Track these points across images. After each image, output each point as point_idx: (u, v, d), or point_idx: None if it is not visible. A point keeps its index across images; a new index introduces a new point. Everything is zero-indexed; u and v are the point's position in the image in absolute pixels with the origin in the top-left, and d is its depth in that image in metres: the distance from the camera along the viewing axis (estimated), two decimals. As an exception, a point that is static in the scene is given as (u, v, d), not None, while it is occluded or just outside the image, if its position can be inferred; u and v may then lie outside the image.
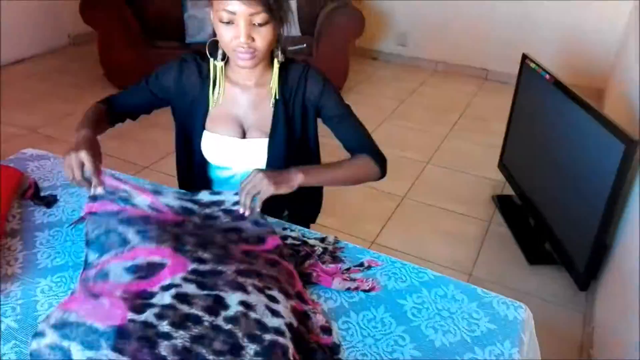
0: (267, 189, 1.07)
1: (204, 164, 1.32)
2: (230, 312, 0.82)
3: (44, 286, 0.98)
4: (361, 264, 1.07)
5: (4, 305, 0.93)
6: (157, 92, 1.29)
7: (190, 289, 0.85)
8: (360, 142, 1.30)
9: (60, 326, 0.80)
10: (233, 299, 0.84)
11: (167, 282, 0.87)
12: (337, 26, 3.53)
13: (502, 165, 2.76)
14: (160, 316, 0.80)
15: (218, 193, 1.16)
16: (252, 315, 0.82)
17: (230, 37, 1.08)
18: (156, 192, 1.12)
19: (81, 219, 1.14)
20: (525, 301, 1.04)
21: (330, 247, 1.12)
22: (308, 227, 1.36)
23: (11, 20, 4.05)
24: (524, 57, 2.52)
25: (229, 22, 1.07)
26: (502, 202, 2.65)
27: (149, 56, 3.53)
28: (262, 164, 1.27)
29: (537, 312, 1.95)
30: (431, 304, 0.98)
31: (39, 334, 0.81)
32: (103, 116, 1.27)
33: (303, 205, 1.33)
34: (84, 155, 1.05)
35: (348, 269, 1.05)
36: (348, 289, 0.99)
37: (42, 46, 4.37)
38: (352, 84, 4.06)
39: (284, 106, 1.24)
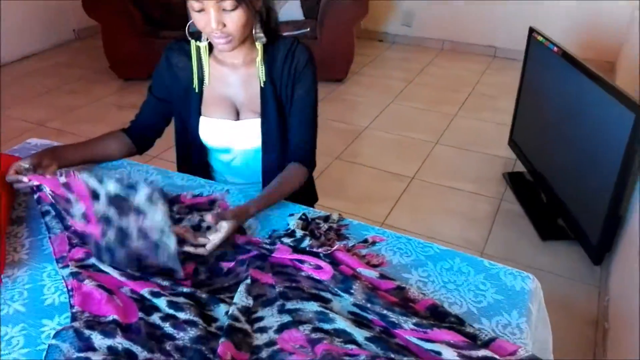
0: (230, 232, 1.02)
1: (202, 149, 1.32)
2: (220, 323, 0.87)
3: (50, 270, 0.99)
4: (365, 240, 1.06)
5: (11, 290, 0.94)
6: (161, 95, 1.30)
7: (180, 299, 0.89)
8: (301, 139, 1.27)
9: (88, 326, 0.85)
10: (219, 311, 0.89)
11: (155, 289, 0.91)
12: (341, 8, 3.48)
13: (512, 142, 2.72)
14: (163, 319, 0.87)
15: (154, 202, 0.95)
16: (238, 325, 0.85)
17: (203, 25, 1.09)
18: (95, 196, 0.97)
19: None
20: (539, 277, 1.02)
21: (334, 225, 1.11)
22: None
23: (17, 17, 4.08)
24: (531, 30, 2.47)
25: (200, 10, 1.06)
26: (513, 179, 2.62)
27: (153, 46, 3.53)
28: (258, 144, 1.27)
29: (551, 287, 1.95)
30: (437, 277, 0.97)
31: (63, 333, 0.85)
32: (110, 138, 1.31)
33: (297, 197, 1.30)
34: (17, 164, 1.12)
35: (353, 246, 1.04)
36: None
37: (48, 42, 4.40)
38: (358, 67, 4.02)
39: (272, 85, 1.23)
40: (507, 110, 2.99)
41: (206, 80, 1.25)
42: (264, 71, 1.21)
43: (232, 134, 1.27)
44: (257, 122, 1.25)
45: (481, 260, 1.01)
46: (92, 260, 0.98)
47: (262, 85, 1.23)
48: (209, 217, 1.00)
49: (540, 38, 2.37)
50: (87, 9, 3.53)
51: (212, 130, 1.27)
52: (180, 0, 3.86)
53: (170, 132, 1.37)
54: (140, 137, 1.35)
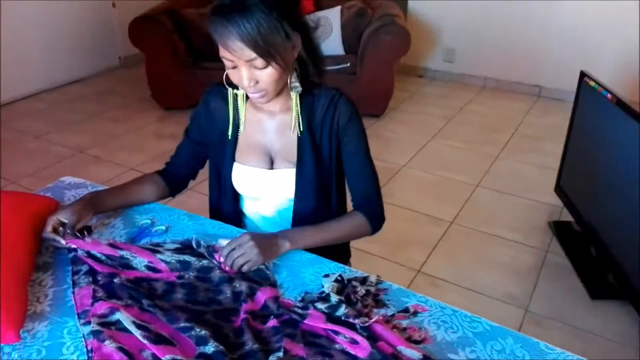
0: (257, 259, 1.04)
1: (235, 196, 1.28)
2: None
3: (71, 326, 0.93)
4: (406, 310, 0.97)
5: (30, 347, 0.89)
6: (198, 138, 1.29)
7: None
8: (365, 194, 1.25)
9: None
10: None
11: (178, 356, 0.85)
12: (382, 45, 3.45)
13: (559, 189, 2.58)
14: None
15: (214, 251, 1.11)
16: None
17: (237, 80, 1.07)
18: (155, 252, 1.09)
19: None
20: (587, 340, 0.92)
21: (372, 289, 1.03)
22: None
23: (65, 43, 4.21)
24: (582, 74, 2.36)
25: (233, 67, 1.05)
26: (559, 229, 2.47)
27: (195, 77, 3.57)
28: (290, 195, 1.23)
29: (600, 352, 1.80)
30: (487, 361, 0.87)
31: None
32: (145, 182, 1.31)
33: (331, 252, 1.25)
34: (62, 213, 1.11)
35: (392, 315, 0.96)
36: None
37: (95, 68, 4.52)
38: (396, 103, 3.97)
39: (309, 135, 1.19)
40: (552, 153, 2.87)
41: (241, 127, 1.22)
42: (301, 120, 1.17)
43: (265, 183, 1.22)
44: (292, 172, 1.20)
45: (537, 343, 0.91)
46: (117, 316, 0.93)
47: (300, 135, 1.18)
48: (223, 242, 1.07)
49: (592, 83, 2.26)
50: (132, 39, 3.61)
51: (245, 177, 1.23)
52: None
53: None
54: (174, 180, 1.34)
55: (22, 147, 3.25)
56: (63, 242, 1.07)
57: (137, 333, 0.89)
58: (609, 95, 2.11)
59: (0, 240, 1.02)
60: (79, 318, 0.94)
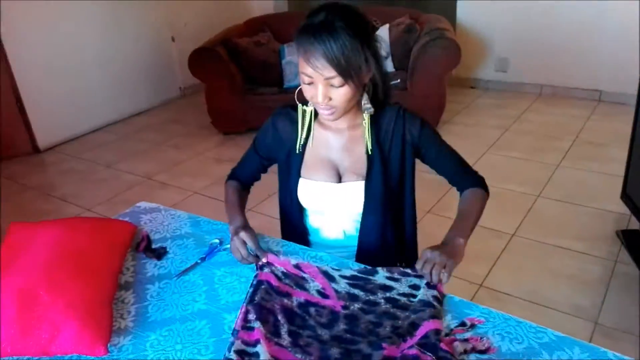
0: (451, 263, 1.07)
1: (301, 211, 1.34)
2: None
3: (153, 340, 1.01)
4: (463, 324, 0.98)
5: (117, 360, 0.97)
6: (264, 154, 1.37)
7: None
8: (463, 170, 1.33)
9: None
10: None
11: None
12: (432, 59, 3.47)
13: (626, 196, 2.48)
14: None
15: (395, 279, 1.11)
16: None
17: (311, 96, 1.14)
18: (331, 278, 1.13)
19: (186, 270, 1.19)
20: None
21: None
22: None
23: (130, 78, 4.50)
24: (645, 76, 2.28)
25: (309, 83, 1.11)
26: (628, 238, 2.37)
27: (251, 102, 3.72)
28: (359, 207, 1.27)
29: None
30: (553, 371, 0.87)
31: None
32: (241, 192, 1.42)
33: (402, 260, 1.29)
34: (243, 235, 1.19)
35: (451, 330, 0.97)
36: (464, 351, 0.91)
37: (157, 99, 4.78)
38: (450, 115, 3.95)
39: (379, 149, 1.24)
40: (617, 159, 2.76)
41: (310, 143, 1.28)
42: (371, 139, 1.22)
43: (334, 197, 1.27)
44: (361, 184, 1.25)
45: (604, 352, 0.90)
46: (257, 349, 0.94)
47: (370, 153, 1.23)
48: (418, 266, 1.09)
49: (656, 85, 2.18)
50: (192, 69, 3.81)
51: (311, 192, 1.28)
52: (275, 62, 4.00)
53: (262, 186, 1.44)
54: (244, 185, 1.46)
55: (94, 177, 3.48)
56: (264, 259, 1.18)
57: None
58: (674, 97, 2.03)
59: (87, 263, 1.12)
60: (232, 334, 0.99)
